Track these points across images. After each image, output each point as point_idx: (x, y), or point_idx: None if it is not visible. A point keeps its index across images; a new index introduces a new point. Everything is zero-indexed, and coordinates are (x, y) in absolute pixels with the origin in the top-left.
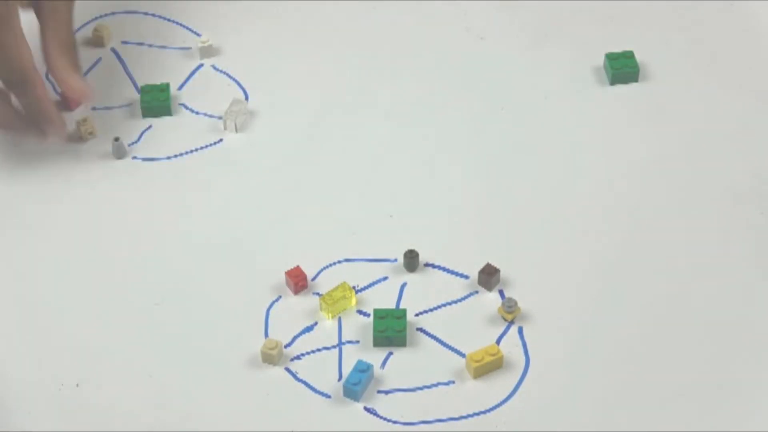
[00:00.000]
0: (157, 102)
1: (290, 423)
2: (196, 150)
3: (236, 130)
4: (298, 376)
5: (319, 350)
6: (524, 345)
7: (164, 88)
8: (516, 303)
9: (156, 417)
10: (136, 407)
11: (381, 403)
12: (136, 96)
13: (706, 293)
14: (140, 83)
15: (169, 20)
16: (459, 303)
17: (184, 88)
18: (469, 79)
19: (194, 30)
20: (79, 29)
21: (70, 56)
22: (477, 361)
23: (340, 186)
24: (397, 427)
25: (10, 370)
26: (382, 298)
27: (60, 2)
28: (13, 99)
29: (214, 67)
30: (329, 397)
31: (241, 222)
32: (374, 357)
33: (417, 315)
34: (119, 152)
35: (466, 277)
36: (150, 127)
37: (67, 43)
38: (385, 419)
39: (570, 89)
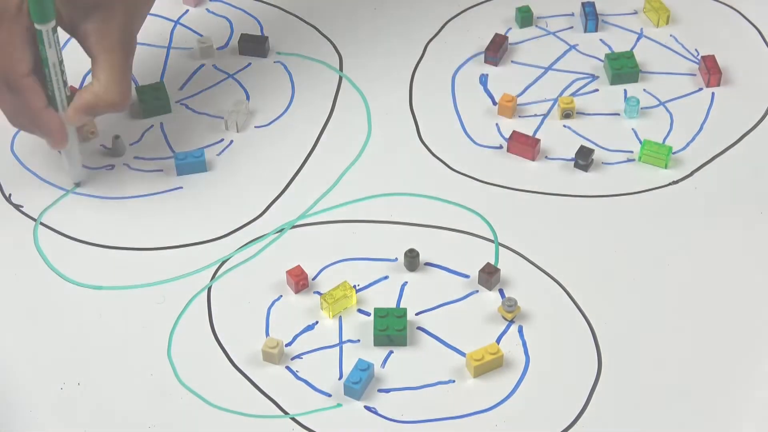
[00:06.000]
0: (157, 101)
1: (291, 422)
2: (197, 149)
3: (237, 130)
4: (299, 374)
5: (319, 349)
6: (524, 344)
7: (159, 86)
8: (516, 302)
9: (157, 416)
10: (137, 406)
11: (381, 402)
12: (137, 96)
13: (707, 293)
14: (141, 83)
15: (170, 20)
16: (459, 302)
17: (185, 87)
18: (469, 80)
19: (195, 30)
20: None
21: (88, 107)
22: (477, 360)
23: (341, 185)
24: (398, 425)
25: (13, 370)
26: (383, 297)
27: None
28: None
29: (215, 67)
30: (330, 395)
31: (241, 221)
32: (375, 356)
33: (417, 314)
34: (119, 150)
35: (467, 276)
36: (151, 126)
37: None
38: (385, 418)
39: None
